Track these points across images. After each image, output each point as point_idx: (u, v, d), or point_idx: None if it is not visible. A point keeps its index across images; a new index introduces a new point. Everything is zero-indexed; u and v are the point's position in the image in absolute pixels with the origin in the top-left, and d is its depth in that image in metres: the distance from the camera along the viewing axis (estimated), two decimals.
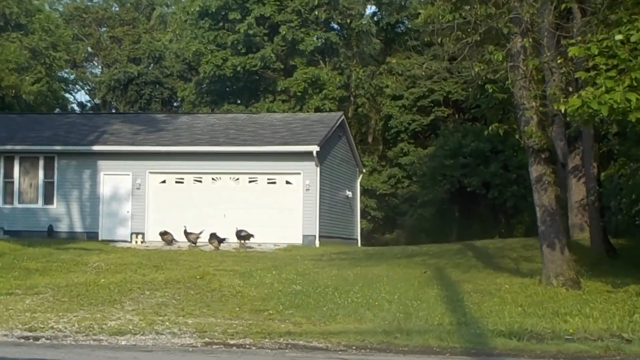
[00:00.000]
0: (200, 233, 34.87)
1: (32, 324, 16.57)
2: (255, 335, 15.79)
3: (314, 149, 37.28)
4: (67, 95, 75.88)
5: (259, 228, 35.94)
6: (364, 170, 48.95)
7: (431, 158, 52.62)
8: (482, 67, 20.61)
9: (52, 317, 17.23)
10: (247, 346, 15.00)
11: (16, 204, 39.43)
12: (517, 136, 22.28)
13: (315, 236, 37.13)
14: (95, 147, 39.34)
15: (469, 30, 21.03)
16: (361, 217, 51.81)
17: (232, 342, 15.28)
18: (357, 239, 44.95)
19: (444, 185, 49.67)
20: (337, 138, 42.03)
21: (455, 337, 15.51)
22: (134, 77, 67.84)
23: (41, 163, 39.51)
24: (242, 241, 35.11)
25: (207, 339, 15.47)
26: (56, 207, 39.12)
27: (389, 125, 58.08)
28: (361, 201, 52.24)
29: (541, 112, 21.21)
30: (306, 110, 54.53)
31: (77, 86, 79.46)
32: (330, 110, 51.34)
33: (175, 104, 70.68)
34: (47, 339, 15.40)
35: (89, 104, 78.55)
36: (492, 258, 25.68)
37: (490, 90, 20.80)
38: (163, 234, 35.94)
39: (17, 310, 17.86)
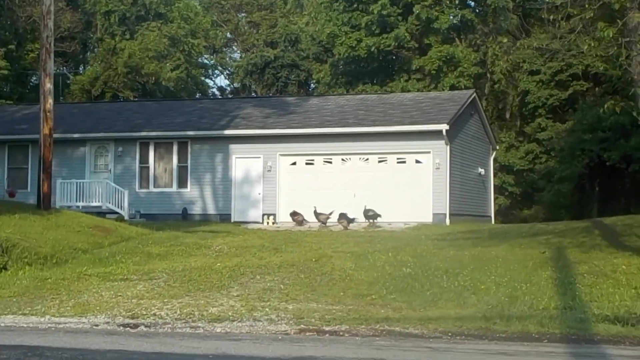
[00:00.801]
0: (330, 213, 35.09)
1: (136, 310, 16.79)
2: (352, 321, 15.58)
3: (444, 127, 36.99)
4: (206, 80, 77.38)
5: (389, 207, 35.95)
6: (498, 148, 48.10)
7: (569, 133, 51.35)
8: (592, 45, 19.84)
9: (157, 303, 17.41)
10: (341, 333, 14.82)
11: (151, 188, 40.51)
12: (635, 113, 21.46)
13: (445, 214, 36.84)
14: (227, 132, 40.00)
15: (585, 6, 20.32)
16: (499, 194, 51.08)
17: (327, 328, 15.11)
18: (490, 216, 44.27)
19: (583, 160, 48.39)
20: (469, 116, 41.50)
21: (556, 322, 15.01)
22: (271, 60, 68.53)
23: (175, 148, 40.44)
24: (371, 220, 35.10)
25: (302, 326, 15.32)
26: (190, 190, 40.02)
27: (526, 100, 56.90)
28: (498, 177, 51.50)
29: None
30: (441, 88, 53.92)
31: (216, 71, 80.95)
32: (466, 88, 50.62)
33: (311, 86, 71.09)
34: (145, 326, 15.54)
35: (228, 89, 79.87)
36: (618, 236, 24.64)
37: (602, 68, 20.09)
38: (293, 214, 36.29)
39: (125, 297, 18.15)
